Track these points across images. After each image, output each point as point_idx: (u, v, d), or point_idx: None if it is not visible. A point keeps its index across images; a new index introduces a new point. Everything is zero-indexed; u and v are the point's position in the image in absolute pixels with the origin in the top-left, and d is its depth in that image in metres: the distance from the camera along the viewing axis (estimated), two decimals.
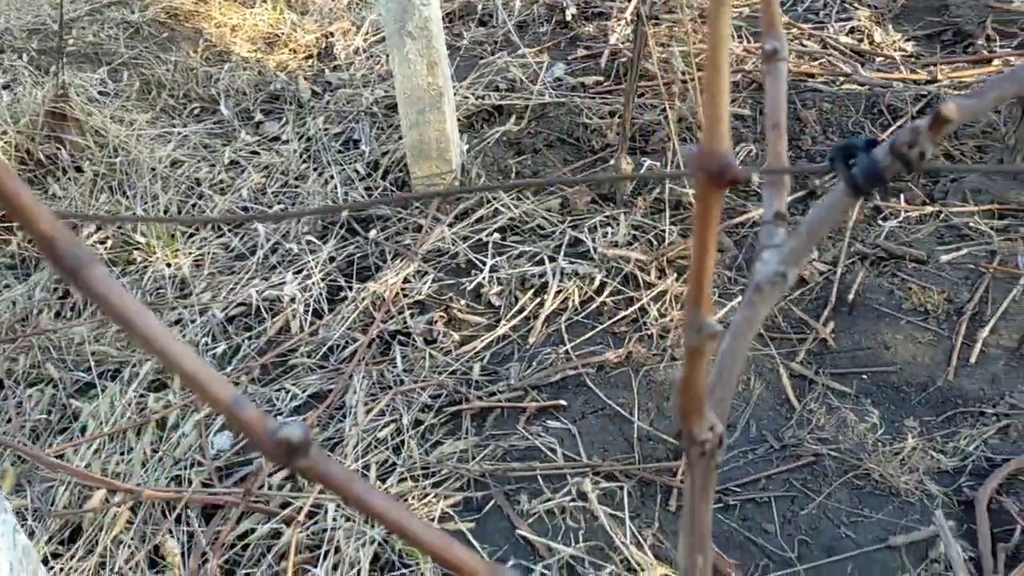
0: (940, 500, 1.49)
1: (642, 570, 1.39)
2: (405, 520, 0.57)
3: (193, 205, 2.55)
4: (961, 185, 2.08)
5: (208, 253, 2.37)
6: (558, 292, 2.03)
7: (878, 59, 2.68)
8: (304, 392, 1.90)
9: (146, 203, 2.52)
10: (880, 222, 2.06)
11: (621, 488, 1.58)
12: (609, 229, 2.18)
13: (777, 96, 0.78)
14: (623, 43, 2.97)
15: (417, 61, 2.26)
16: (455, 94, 2.68)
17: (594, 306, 1.99)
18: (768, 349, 1.81)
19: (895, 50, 2.71)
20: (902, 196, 2.12)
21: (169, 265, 2.33)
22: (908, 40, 2.77)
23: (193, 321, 2.13)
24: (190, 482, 1.70)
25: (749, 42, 2.83)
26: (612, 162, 2.41)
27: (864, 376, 1.73)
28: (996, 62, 2.53)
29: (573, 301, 2.01)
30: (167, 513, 1.62)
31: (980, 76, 2.47)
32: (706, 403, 0.67)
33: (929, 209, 2.06)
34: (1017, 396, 1.64)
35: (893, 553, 1.42)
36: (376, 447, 1.73)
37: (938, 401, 1.66)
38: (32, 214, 0.46)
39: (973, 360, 1.71)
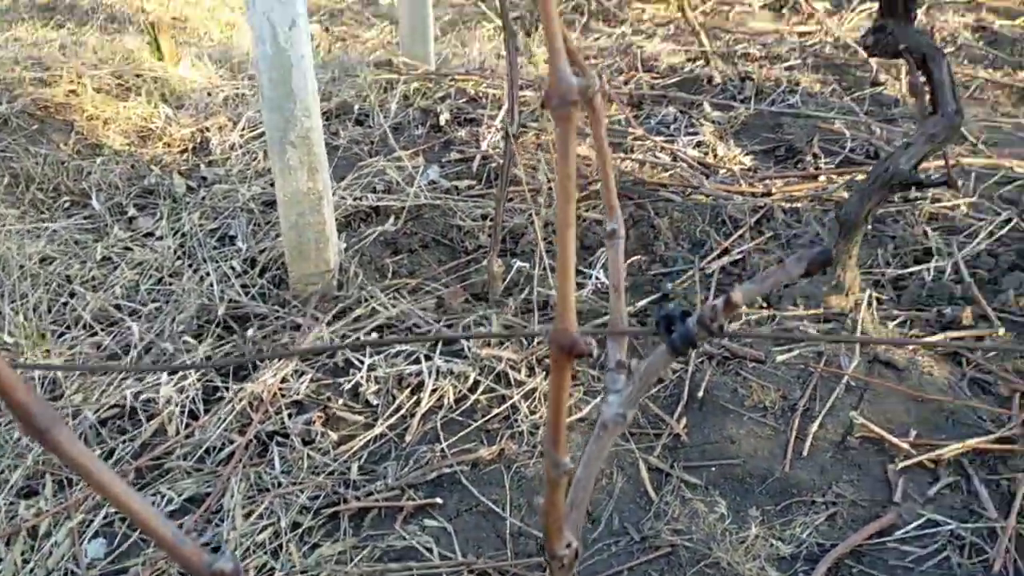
0: None
1: None
2: None
3: (64, 304, 2.53)
4: (792, 291, 2.33)
5: (80, 353, 2.36)
6: (434, 390, 2.14)
7: (721, 171, 2.97)
8: (180, 496, 1.91)
9: (15, 302, 2.48)
10: (725, 324, 2.27)
11: None
12: (482, 328, 2.31)
13: (617, 265, 0.94)
14: (493, 149, 3.16)
15: (298, 168, 2.36)
16: (333, 194, 2.78)
17: (468, 404, 2.11)
18: (628, 444, 1.96)
19: (735, 164, 3.01)
20: None
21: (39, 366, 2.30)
22: (747, 154, 3.08)
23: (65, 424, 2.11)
24: None
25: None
26: (485, 263, 2.56)
27: (713, 468, 1.91)
28: (822, 178, 2.85)
29: (448, 399, 2.12)
30: None
31: (808, 191, 2.78)
32: (565, 525, 0.80)
33: (765, 312, 2.29)
34: (842, 485, 1.84)
35: None
36: (255, 551, 1.76)
37: (776, 491, 1.85)
38: (9, 384, 0.55)
39: (805, 453, 1.91)
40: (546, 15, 0.58)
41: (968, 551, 1.69)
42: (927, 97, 2.17)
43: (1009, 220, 2.57)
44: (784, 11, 4.37)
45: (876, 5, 2.20)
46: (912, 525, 1.75)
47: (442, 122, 3.39)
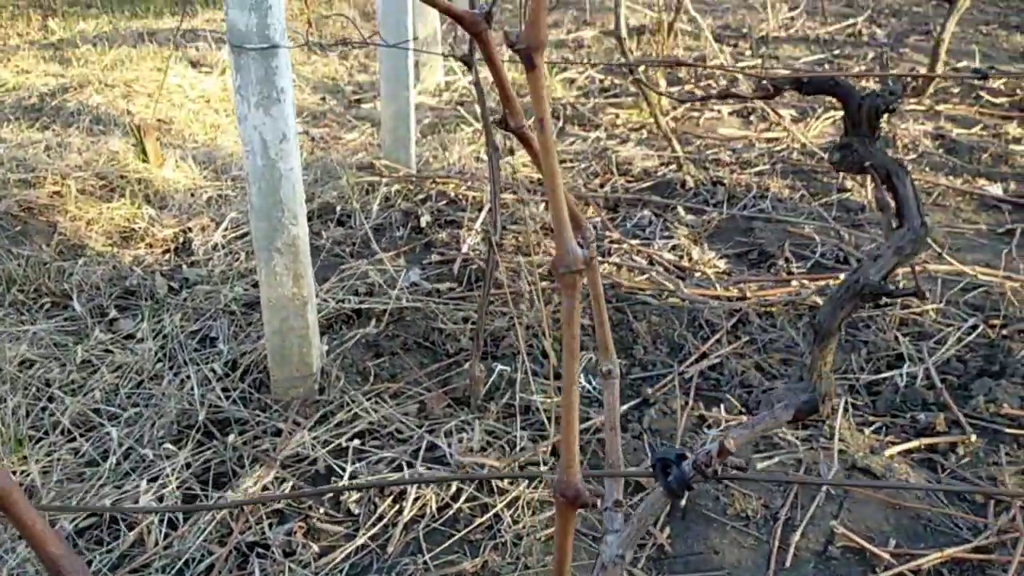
0: None
1: None
2: None
3: (43, 408, 2.51)
4: (770, 397, 2.38)
5: (58, 459, 2.33)
6: (416, 498, 2.13)
7: (696, 274, 3.04)
8: None
9: None
10: (705, 430, 2.31)
11: None
12: (464, 435, 2.32)
13: (613, 406, 0.97)
14: (473, 251, 3.22)
15: (284, 274, 2.40)
16: (316, 297, 2.81)
17: (451, 512, 2.10)
18: None
19: (710, 267, 3.09)
20: (723, 406, 2.39)
21: (15, 473, 2.27)
22: (721, 258, 3.16)
23: None
24: None
25: None
26: (467, 367, 2.58)
27: None
28: (794, 283, 2.93)
29: (430, 508, 2.11)
30: None
31: (782, 295, 2.85)
32: None
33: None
34: None
35: None
36: None
37: None
38: (43, 538, 0.57)
39: (788, 564, 1.92)
40: (553, 190, 0.63)
41: None
42: (892, 211, 2.27)
43: (976, 327, 2.65)
44: (752, 118, 4.54)
45: (840, 114, 2.31)
46: None
47: (423, 224, 3.46)
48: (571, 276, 0.61)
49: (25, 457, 2.33)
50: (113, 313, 3.02)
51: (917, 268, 2.45)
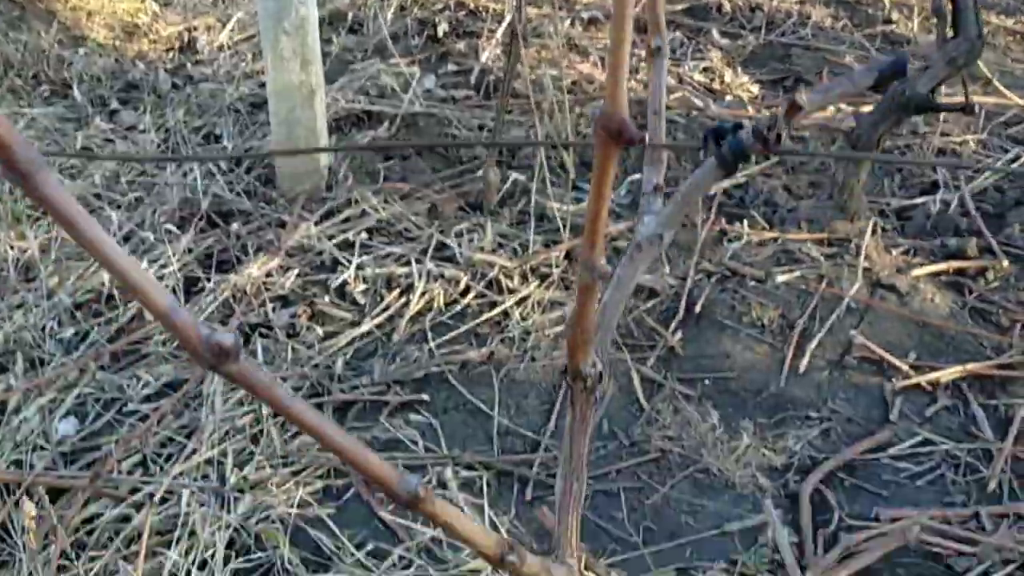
0: (770, 492, 1.62)
1: None
2: (324, 427, 0.60)
3: None
4: (797, 215, 2.28)
5: (55, 238, 2.27)
6: (423, 293, 2.07)
7: (728, 97, 2.89)
8: (157, 380, 1.85)
9: None
10: (726, 243, 2.22)
11: (480, 478, 1.63)
12: (475, 236, 2.24)
13: (659, 86, 0.87)
14: (493, 62, 3.06)
15: (291, 58, 2.26)
16: (325, 95, 2.68)
17: (458, 308, 2.04)
18: (622, 354, 1.91)
19: (743, 91, 2.93)
20: (745, 222, 2.29)
21: (12, 248, 2.21)
22: (755, 83, 3.00)
23: (38, 305, 2.03)
24: (32, 466, 1.62)
25: None
26: (480, 173, 2.48)
27: (707, 381, 1.86)
28: (830, 108, 2.77)
29: (438, 302, 2.05)
30: (6, 497, 1.54)
31: (816, 120, 2.71)
32: (593, 341, 0.74)
33: (768, 235, 2.23)
34: (838, 402, 1.81)
35: (728, 538, 1.54)
36: (234, 436, 1.70)
37: (770, 405, 1.81)
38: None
39: (802, 370, 1.87)
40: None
41: (963, 470, 1.66)
42: (948, 19, 2.10)
43: (1017, 158, 2.52)
44: None
45: None
46: (907, 443, 1.71)
47: (440, 33, 3.28)
48: None
49: (23, 234, 2.26)
50: (115, 104, 2.90)
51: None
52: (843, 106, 2.76)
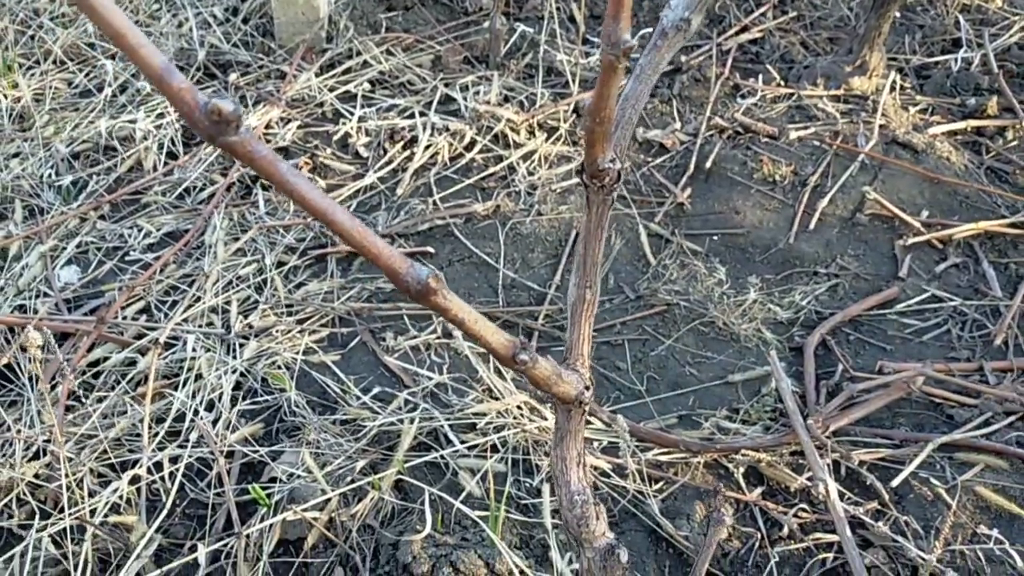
0: (774, 345, 1.62)
1: (503, 396, 1.45)
2: (329, 207, 0.57)
3: (32, 37, 2.35)
4: (813, 71, 2.20)
5: (49, 87, 2.20)
6: (428, 146, 2.02)
7: None
8: (159, 230, 1.83)
9: None
10: (739, 99, 2.16)
11: None
12: (481, 88, 2.18)
13: None
14: None
15: None
16: None
17: (463, 162, 2.00)
18: (629, 210, 1.88)
19: None
20: (760, 77, 2.22)
21: (5, 97, 2.15)
22: None
23: (34, 154, 1.99)
24: (35, 311, 1.61)
25: None
26: (486, 24, 2.38)
27: (715, 237, 1.84)
28: None
29: (442, 156, 2.01)
30: (11, 339, 1.54)
31: None
32: (612, 133, 0.71)
33: (782, 91, 2.16)
34: (847, 259, 1.79)
35: (731, 388, 1.54)
36: (237, 284, 1.69)
37: (778, 261, 1.79)
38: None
39: (812, 227, 1.84)
40: None
41: (970, 326, 1.65)
42: None
43: None
44: None
45: None
46: (915, 299, 1.70)
47: None
48: None
49: (15, 83, 2.20)
50: None
51: None
52: None
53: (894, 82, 2.17)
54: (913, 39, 2.37)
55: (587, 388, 0.78)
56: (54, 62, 2.29)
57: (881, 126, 2.03)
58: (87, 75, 2.25)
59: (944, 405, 1.49)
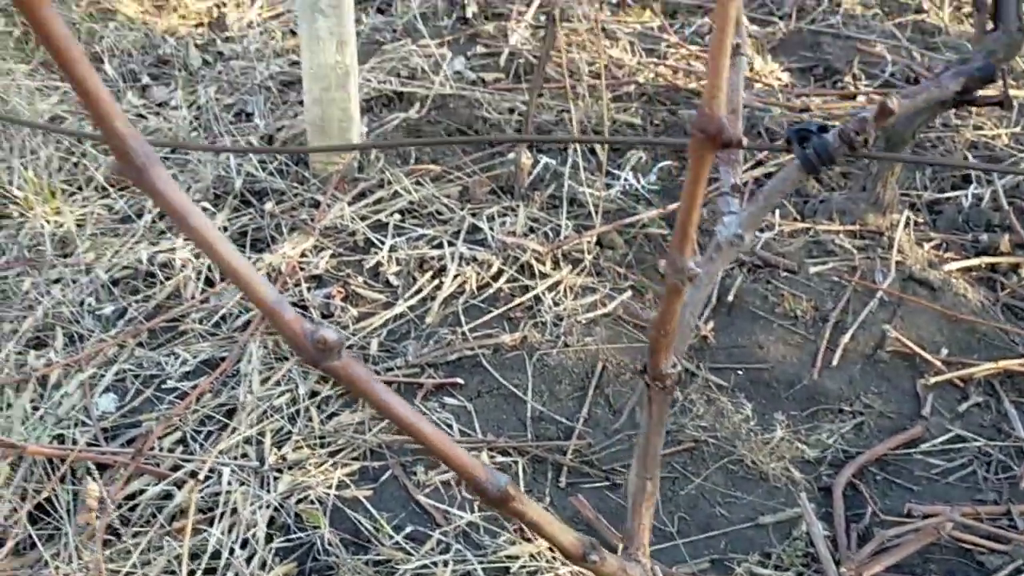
0: (803, 485, 1.63)
1: (535, 539, 1.46)
2: (418, 423, 0.61)
3: (76, 164, 2.45)
4: (829, 206, 2.28)
5: (92, 213, 2.29)
6: (456, 276, 2.08)
7: (757, 85, 2.88)
8: (195, 358, 1.87)
9: (24, 157, 2.39)
10: (757, 233, 2.22)
11: (515, 464, 1.65)
12: (507, 219, 2.25)
13: (737, 84, 0.87)
14: (522, 44, 3.05)
15: (327, 39, 2.26)
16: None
17: (491, 291, 2.06)
18: None
19: (773, 79, 2.92)
20: (777, 212, 2.29)
21: (48, 223, 2.23)
22: (784, 71, 2.99)
23: (75, 281, 2.06)
24: (75, 441, 1.64)
25: (642, 56, 2.98)
26: (511, 156, 2.48)
27: (739, 372, 1.87)
28: (861, 98, 2.77)
29: (470, 285, 2.07)
30: (51, 471, 1.56)
31: (847, 109, 2.70)
32: (674, 342, 0.75)
33: (799, 225, 2.24)
34: (871, 397, 1.82)
35: (762, 530, 1.55)
36: (271, 415, 1.73)
37: (804, 398, 1.82)
38: (109, 111, 0.49)
39: (835, 363, 1.88)
40: None
41: (995, 467, 1.67)
42: (988, 10, 2.09)
43: None
44: None
45: None
46: (940, 439, 1.72)
47: (469, 14, 3.27)
48: None
49: (58, 208, 2.28)
50: (146, 80, 2.90)
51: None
52: (874, 97, 2.75)
53: (908, 218, 2.24)
54: (924, 175, 2.46)
55: None
56: (95, 188, 2.38)
57: (897, 262, 2.09)
58: (127, 201, 2.34)
59: (974, 551, 1.50)
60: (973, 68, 0.69)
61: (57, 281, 2.07)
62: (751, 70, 2.98)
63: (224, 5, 3.39)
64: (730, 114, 0.86)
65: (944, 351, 1.90)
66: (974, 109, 2.63)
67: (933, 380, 1.83)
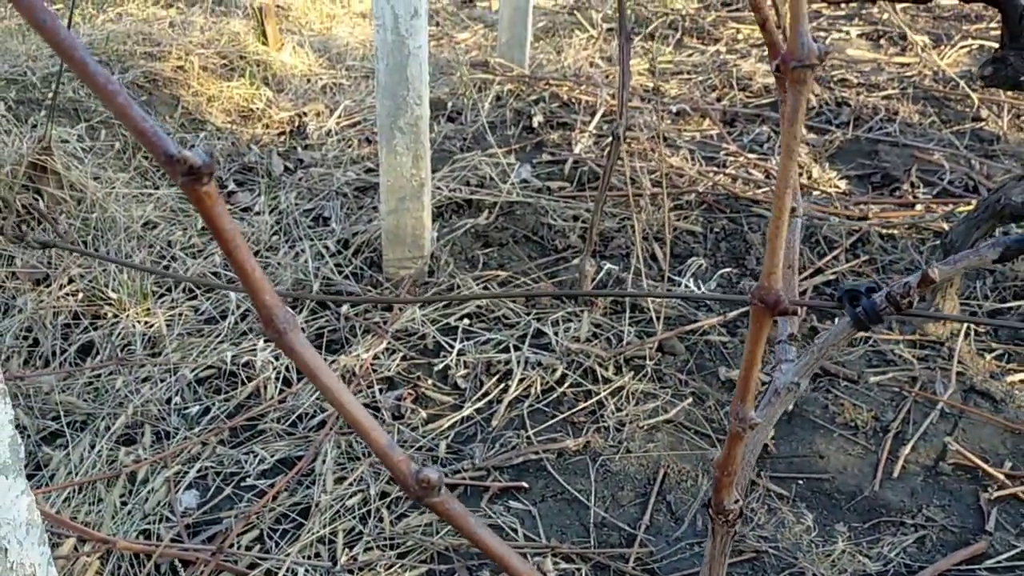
0: None
1: None
2: (506, 554, 0.68)
3: (166, 267, 2.62)
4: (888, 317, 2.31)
5: (179, 315, 2.43)
6: (521, 379, 2.16)
7: (815, 192, 2.95)
8: (272, 457, 1.96)
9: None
10: (817, 342, 2.26)
11: (578, 571, 1.69)
12: (571, 324, 2.33)
13: (793, 243, 0.95)
14: (585, 153, 3.19)
15: (404, 154, 2.41)
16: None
17: (555, 395, 2.13)
18: (715, 450, 1.96)
19: (830, 186, 2.99)
20: (836, 320, 2.33)
21: (139, 323, 2.38)
22: (842, 178, 3.06)
23: (163, 380, 2.18)
24: (159, 536, 1.74)
25: (702, 165, 3.08)
26: (575, 262, 2.58)
27: (800, 481, 1.90)
28: (919, 207, 2.82)
29: (535, 389, 2.14)
30: (137, 566, 1.65)
31: (906, 218, 2.75)
32: (736, 481, 0.81)
33: (860, 335, 2.27)
34: (933, 510, 1.82)
35: None
36: (344, 515, 1.80)
37: (864, 509, 1.83)
38: (260, 286, 0.59)
39: (896, 474, 1.89)
40: None
41: None
42: None
43: None
44: (882, 41, 4.33)
45: (978, 41, 2.18)
46: (1005, 555, 1.72)
47: (535, 124, 3.43)
48: (802, 71, 0.59)
49: (149, 310, 2.44)
50: (231, 186, 3.10)
51: None
52: (932, 206, 2.79)
53: (968, 328, 2.26)
54: (984, 284, 2.48)
55: None
56: (184, 290, 2.53)
57: (958, 373, 2.11)
58: (212, 303, 2.48)
59: None
60: (1011, 240, 0.76)
61: (146, 380, 2.20)
62: (809, 178, 3.06)
63: (305, 115, 3.61)
64: (787, 269, 0.94)
65: (1007, 464, 1.90)
66: None
67: (997, 494, 1.82)
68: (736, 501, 0.81)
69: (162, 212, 2.85)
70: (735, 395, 0.71)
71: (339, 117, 3.57)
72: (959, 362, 2.14)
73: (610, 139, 2.36)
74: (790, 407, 2.04)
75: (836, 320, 2.11)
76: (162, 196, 2.93)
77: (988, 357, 2.19)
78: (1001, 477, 1.85)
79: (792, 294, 0.94)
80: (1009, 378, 2.11)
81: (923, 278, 0.75)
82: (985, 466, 1.87)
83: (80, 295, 2.46)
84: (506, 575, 0.68)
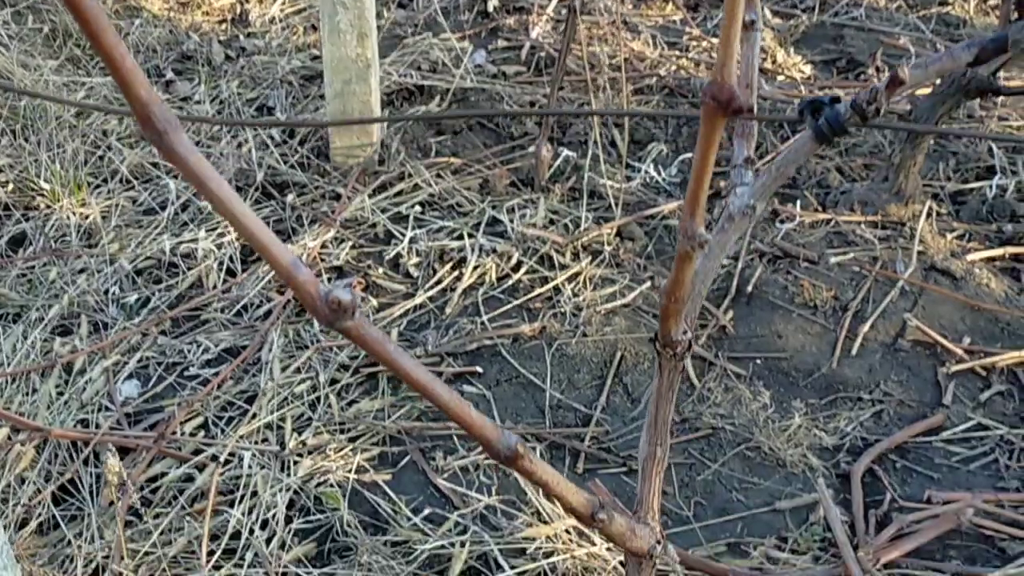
0: (821, 471, 1.63)
1: (551, 520, 1.46)
2: (430, 382, 0.62)
3: (101, 157, 2.48)
4: (850, 196, 2.26)
5: (116, 205, 2.32)
6: (476, 267, 2.09)
7: (780, 77, 2.87)
8: (217, 347, 1.89)
9: (51, 151, 2.43)
10: (777, 224, 2.22)
11: (533, 449, 1.65)
12: (527, 211, 2.26)
13: (752, 58, 0.88)
14: (543, 38, 3.06)
15: (348, 31, 2.28)
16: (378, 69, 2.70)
17: (510, 283, 2.06)
18: None
19: (796, 71, 2.91)
20: (798, 203, 2.28)
21: (74, 214, 2.27)
22: (807, 63, 2.97)
23: (100, 271, 2.09)
24: (98, 426, 1.67)
25: (664, 49, 2.97)
26: (531, 149, 2.49)
27: (758, 360, 1.87)
28: None
29: (490, 276, 2.07)
30: (74, 454, 1.59)
31: None
32: (684, 309, 0.76)
33: (821, 216, 2.22)
34: (891, 385, 1.80)
35: (779, 515, 1.55)
36: (292, 402, 1.74)
37: (822, 386, 1.81)
38: (134, 78, 0.50)
39: (854, 352, 1.87)
40: None
41: (1018, 455, 1.65)
42: (1014, 2, 2.07)
43: None
44: None
45: None
46: (961, 427, 1.71)
47: (490, 8, 3.28)
48: None
49: (84, 200, 2.32)
50: (170, 75, 2.94)
51: None
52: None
53: (930, 208, 2.22)
54: (947, 165, 2.44)
55: (658, 542, 0.81)
56: (120, 181, 2.41)
57: (919, 252, 2.08)
58: (151, 193, 2.37)
59: (995, 538, 1.49)
60: (987, 39, 0.69)
61: (82, 271, 2.10)
62: (773, 62, 2.97)
63: (247, 1, 3.42)
64: (745, 88, 0.87)
65: (966, 340, 1.88)
66: (999, 99, 2.60)
67: (954, 368, 1.81)
68: (685, 332, 0.75)
69: (95, 101, 2.70)
70: (683, 210, 0.64)
71: (283, 3, 3.38)
72: (921, 242, 2.11)
73: (567, 12, 2.24)
74: (748, 288, 2.00)
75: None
76: (95, 85, 2.77)
77: (949, 237, 2.16)
78: (959, 352, 1.84)
79: (751, 108, 0.87)
80: (969, 257, 2.09)
81: (892, 79, 0.68)
82: (944, 341, 1.85)
83: (10, 186, 2.33)
84: (429, 401, 0.61)
